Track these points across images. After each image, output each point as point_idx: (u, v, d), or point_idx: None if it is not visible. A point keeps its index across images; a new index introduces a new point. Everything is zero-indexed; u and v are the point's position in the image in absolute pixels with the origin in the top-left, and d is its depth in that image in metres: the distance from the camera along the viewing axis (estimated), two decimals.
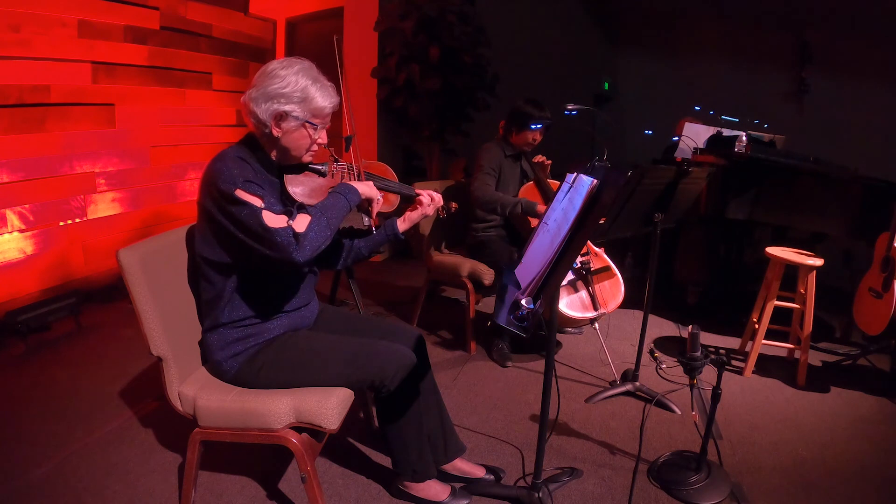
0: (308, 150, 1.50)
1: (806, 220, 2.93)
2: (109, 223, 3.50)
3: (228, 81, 4.27)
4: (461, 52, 4.14)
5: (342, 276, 3.19)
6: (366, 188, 1.54)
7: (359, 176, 1.63)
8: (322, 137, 1.50)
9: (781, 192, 2.92)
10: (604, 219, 1.97)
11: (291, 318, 1.59)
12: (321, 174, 1.58)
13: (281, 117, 1.41)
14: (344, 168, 1.65)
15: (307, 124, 1.44)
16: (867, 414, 2.34)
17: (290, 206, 1.47)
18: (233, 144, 1.50)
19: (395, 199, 1.76)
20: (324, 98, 1.44)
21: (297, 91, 1.40)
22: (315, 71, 1.45)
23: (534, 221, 2.72)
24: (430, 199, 1.72)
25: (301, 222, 1.37)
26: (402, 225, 1.73)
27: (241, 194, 1.33)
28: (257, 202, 1.34)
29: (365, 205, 1.57)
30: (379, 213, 1.64)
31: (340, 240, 1.75)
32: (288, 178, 1.51)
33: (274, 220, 1.34)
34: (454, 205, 1.85)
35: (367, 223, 1.60)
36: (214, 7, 4.06)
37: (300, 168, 1.56)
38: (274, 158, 1.51)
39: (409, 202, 1.77)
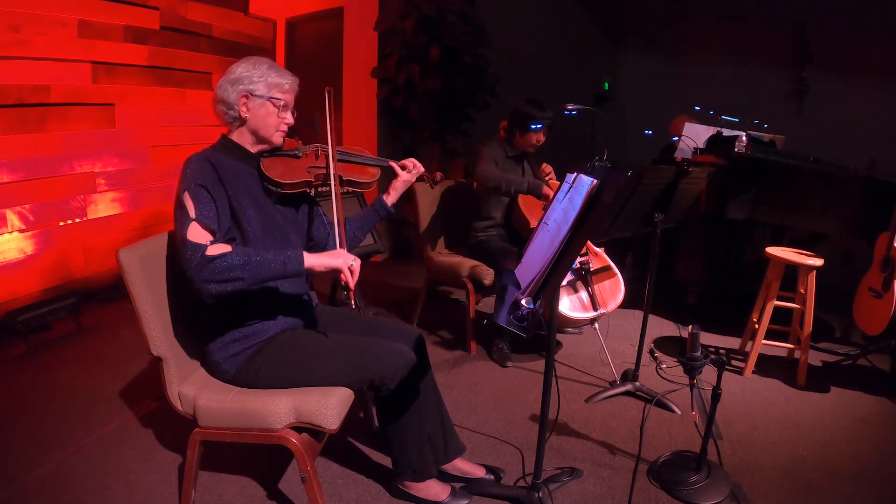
0: (277, 128, 1.56)
1: (806, 220, 2.93)
2: (109, 223, 3.50)
3: None
4: (461, 52, 4.14)
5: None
6: (327, 259, 1.44)
7: (329, 157, 1.62)
8: (289, 118, 1.57)
9: (781, 192, 2.92)
10: None
11: (288, 316, 1.60)
12: (295, 156, 1.64)
13: (247, 97, 1.51)
14: (317, 148, 1.67)
15: (272, 100, 1.53)
16: (867, 414, 2.34)
17: (238, 231, 1.47)
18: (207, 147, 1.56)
19: (375, 171, 1.77)
20: (280, 76, 1.55)
21: (257, 73, 1.52)
22: (268, 59, 1.59)
23: (537, 209, 2.72)
24: (413, 165, 1.80)
25: (218, 249, 1.36)
26: (389, 198, 1.81)
27: (185, 198, 1.39)
28: (191, 211, 1.37)
29: (334, 276, 1.46)
30: (364, 184, 1.72)
31: (329, 230, 1.77)
32: (265, 161, 1.57)
33: (196, 233, 1.36)
34: (439, 174, 1.89)
35: (344, 297, 1.56)
36: (214, 7, 4.06)
37: (273, 154, 1.62)
38: (249, 149, 1.57)
39: (391, 176, 1.81)
